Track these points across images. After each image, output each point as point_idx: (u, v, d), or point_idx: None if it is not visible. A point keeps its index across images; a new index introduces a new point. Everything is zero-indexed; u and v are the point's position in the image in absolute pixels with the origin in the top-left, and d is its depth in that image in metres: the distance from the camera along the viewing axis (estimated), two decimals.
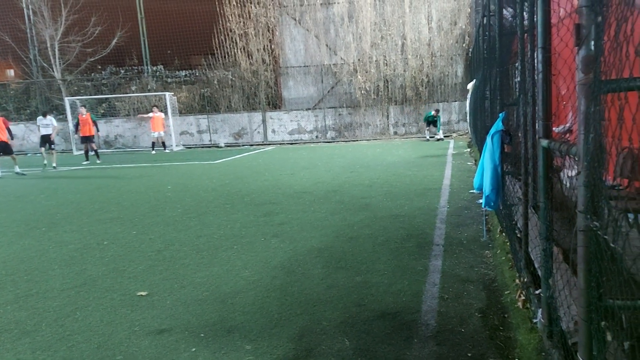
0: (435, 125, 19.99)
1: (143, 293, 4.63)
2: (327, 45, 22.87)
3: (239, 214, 8.01)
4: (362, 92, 22.33)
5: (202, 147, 22.86)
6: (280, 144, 22.56)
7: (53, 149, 16.67)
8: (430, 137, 20.14)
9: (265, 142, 22.89)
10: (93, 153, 18.05)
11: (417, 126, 22.40)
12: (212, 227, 7.17)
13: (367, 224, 6.86)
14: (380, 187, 9.69)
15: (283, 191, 9.92)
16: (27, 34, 23.49)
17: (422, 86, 22.12)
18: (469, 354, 3.21)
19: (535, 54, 3.23)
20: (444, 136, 20.14)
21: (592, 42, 1.78)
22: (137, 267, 5.45)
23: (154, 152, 20.79)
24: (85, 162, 17.48)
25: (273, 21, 22.82)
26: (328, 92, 23.24)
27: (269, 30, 22.84)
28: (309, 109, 23.11)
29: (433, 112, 20.03)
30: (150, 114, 20.53)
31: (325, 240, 6.18)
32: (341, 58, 22.71)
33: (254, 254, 5.75)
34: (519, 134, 4.25)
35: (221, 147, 19.49)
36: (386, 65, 22.30)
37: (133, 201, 9.67)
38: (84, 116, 17.81)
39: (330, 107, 23.00)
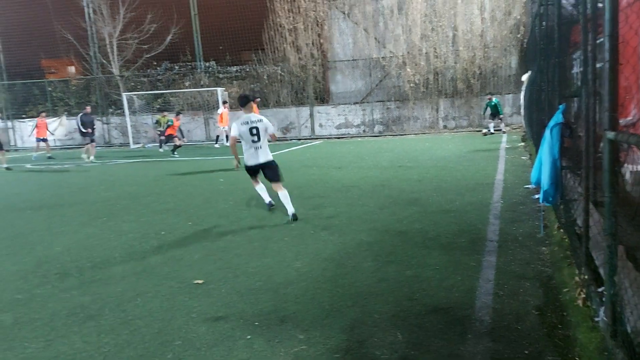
0: (497, 115, 18.92)
1: (199, 281, 4.77)
2: (375, 39, 22.69)
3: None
4: (411, 85, 22.04)
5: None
6: (328, 138, 22.61)
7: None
8: (495, 129, 19.13)
9: (312, 137, 22.99)
10: (172, 147, 18.47)
11: (469, 120, 21.90)
12: (263, 219, 7.30)
13: (417, 219, 6.80)
14: (429, 182, 9.57)
15: (331, 185, 9.96)
16: (88, 32, 24.50)
17: (474, 78, 21.61)
18: (526, 352, 3.15)
19: (599, 43, 3.12)
20: (495, 130, 19.55)
21: None
22: (193, 256, 5.63)
23: (218, 145, 21.06)
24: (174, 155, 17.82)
25: (322, 15, 22.83)
26: (376, 85, 23.08)
27: (317, 25, 22.87)
28: (357, 103, 23.03)
29: (488, 98, 19.10)
30: (220, 110, 20.95)
31: (375, 234, 6.17)
32: (390, 51, 22.48)
33: (304, 246, 5.81)
34: (580, 127, 4.11)
35: (269, 142, 19.72)
36: (436, 57, 21.91)
37: (187, 193, 9.96)
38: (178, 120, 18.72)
39: (378, 101, 22.84)
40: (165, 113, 20.42)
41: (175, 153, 17.73)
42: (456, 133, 20.96)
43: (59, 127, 24.26)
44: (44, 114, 19.64)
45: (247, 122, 7.33)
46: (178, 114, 19.61)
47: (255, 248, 5.83)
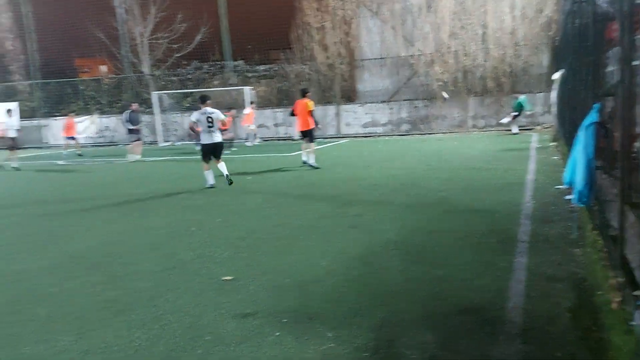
0: (519, 114, 18.68)
1: (228, 278, 4.83)
2: (403, 37, 22.54)
3: (315, 205, 8.13)
4: (440, 83, 21.82)
5: (278, 139, 23.33)
6: (354, 137, 22.56)
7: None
8: (507, 128, 18.97)
9: (338, 135, 22.97)
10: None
11: (498, 119, 21.57)
12: (289, 217, 7.33)
13: (446, 218, 6.74)
14: (458, 181, 9.47)
15: (358, 183, 9.94)
16: (120, 32, 24.99)
17: (505, 77, 21.26)
18: (558, 354, 3.10)
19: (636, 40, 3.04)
20: (526, 129, 19.16)
21: None
22: (222, 253, 5.69)
23: (249, 144, 21.28)
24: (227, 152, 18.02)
25: (350, 14, 22.78)
26: (404, 84, 22.92)
27: (345, 23, 22.83)
28: (384, 101, 22.91)
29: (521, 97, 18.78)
30: (248, 110, 21.13)
31: (402, 233, 6.14)
32: (418, 49, 22.29)
33: (331, 244, 5.82)
34: (615, 126, 4.01)
35: (295, 140, 19.75)
36: (465, 55, 21.63)
37: (216, 190, 10.07)
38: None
39: (405, 100, 22.67)
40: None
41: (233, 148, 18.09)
42: (485, 132, 20.67)
43: (91, 126, 24.83)
44: (72, 114, 20.14)
45: (204, 113, 10.25)
46: (230, 109, 19.69)
47: (283, 246, 5.87)
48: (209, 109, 10.30)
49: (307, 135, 12.64)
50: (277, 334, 3.60)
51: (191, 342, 3.55)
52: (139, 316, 4.07)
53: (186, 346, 3.50)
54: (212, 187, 10.12)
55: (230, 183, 10.19)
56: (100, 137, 25.24)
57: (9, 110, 17.09)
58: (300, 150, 13.19)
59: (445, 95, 21.01)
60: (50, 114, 26.44)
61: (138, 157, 17.12)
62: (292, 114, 12.96)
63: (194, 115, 10.36)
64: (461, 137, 19.49)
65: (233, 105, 22.95)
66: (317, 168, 12.30)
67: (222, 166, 10.32)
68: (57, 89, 26.78)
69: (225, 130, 18.72)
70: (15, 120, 17.12)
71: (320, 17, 22.81)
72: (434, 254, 5.24)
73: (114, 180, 12.61)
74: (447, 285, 4.35)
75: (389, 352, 3.25)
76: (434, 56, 21.97)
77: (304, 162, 12.67)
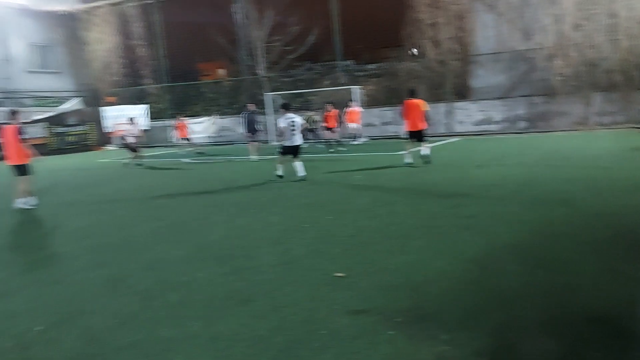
0: None
1: (340, 274, 4.95)
2: (521, 30, 21.39)
3: (427, 205, 8.04)
4: (560, 78, 20.40)
5: (386, 138, 23.25)
6: (466, 135, 21.84)
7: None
8: None
9: (449, 134, 22.38)
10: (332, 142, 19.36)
11: (627, 115, 19.70)
12: (400, 216, 7.32)
13: (567, 221, 6.34)
14: (581, 182, 8.84)
15: (471, 183, 9.65)
16: (239, 37, 26.44)
17: (636, 70, 19.36)
18: None
19: None
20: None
21: None
22: (333, 250, 5.85)
23: (356, 142, 21.61)
24: (331, 150, 18.71)
25: (464, 8, 22.09)
26: (520, 79, 21.75)
27: (459, 18, 22.19)
28: (499, 98, 21.92)
29: None
30: (351, 107, 21.45)
31: (520, 236, 5.88)
32: (536, 43, 21.03)
33: (445, 245, 5.73)
34: None
35: (404, 139, 19.55)
36: (590, 47, 20.03)
37: (326, 188, 10.32)
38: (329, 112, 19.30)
39: (522, 96, 21.51)
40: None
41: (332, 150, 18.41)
42: (611, 130, 18.99)
43: (211, 126, 26.58)
44: (182, 116, 21.71)
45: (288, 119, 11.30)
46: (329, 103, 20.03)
47: (394, 245, 5.89)
48: (290, 115, 11.47)
49: (417, 136, 12.48)
50: (391, 332, 3.64)
51: (308, 335, 3.70)
52: (260, 307, 4.31)
53: (304, 339, 3.65)
54: (280, 177, 11.47)
55: (300, 180, 11.19)
56: (219, 136, 26.89)
57: (131, 119, 18.90)
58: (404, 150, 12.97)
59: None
60: (176, 115, 28.66)
61: (255, 156, 17.90)
62: (403, 115, 12.64)
63: (281, 122, 11.45)
64: (584, 135, 18.10)
65: (341, 105, 23.38)
66: (428, 162, 12.24)
67: (300, 165, 11.41)
68: (182, 91, 28.96)
69: (331, 128, 19.17)
70: (135, 128, 18.38)
71: (433, 14, 22.36)
72: (554, 259, 4.97)
73: (231, 177, 13.36)
74: (571, 292, 4.11)
75: (508, 358, 3.16)
76: (554, 49, 20.60)
77: (408, 164, 12.48)
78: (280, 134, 11.93)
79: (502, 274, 4.67)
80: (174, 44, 28.28)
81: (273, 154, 15.43)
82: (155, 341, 3.79)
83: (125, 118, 20.12)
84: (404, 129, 12.81)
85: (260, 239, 6.64)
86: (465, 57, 22.56)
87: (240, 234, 6.97)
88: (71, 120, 27.00)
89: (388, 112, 23.59)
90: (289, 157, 11.51)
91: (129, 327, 4.07)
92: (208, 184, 12.29)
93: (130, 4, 28.25)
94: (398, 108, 13.36)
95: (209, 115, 26.85)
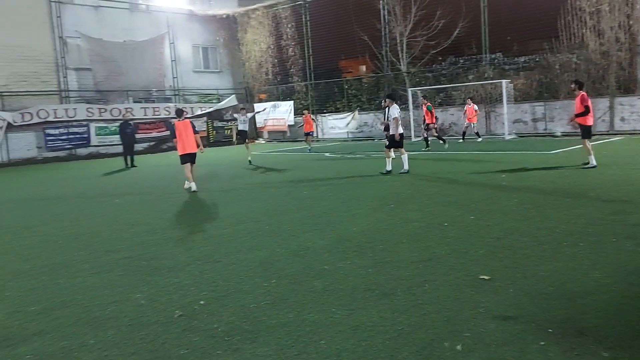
0: None
1: (485, 277, 4.76)
2: None
3: (583, 209, 7.38)
4: None
5: (536, 135, 21.72)
6: (631, 134, 19.54)
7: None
8: None
9: (610, 132, 20.20)
10: (432, 139, 19.08)
11: None
12: (552, 221, 6.82)
13: None
14: None
15: (637, 188, 8.67)
16: (382, 33, 26.52)
17: None
18: None
19: None
20: None
21: None
22: (477, 251, 5.64)
23: (479, 140, 20.87)
24: (424, 149, 18.48)
25: None
26: None
27: (627, 4, 19.88)
28: None
29: None
30: (469, 106, 20.84)
31: None
32: None
33: (604, 254, 5.23)
34: None
35: (557, 137, 18.01)
36: None
37: (468, 187, 9.98)
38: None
39: None
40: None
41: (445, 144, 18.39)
42: None
43: (352, 122, 27.09)
44: (306, 111, 23.13)
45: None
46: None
47: (545, 251, 5.51)
48: (392, 106, 12.37)
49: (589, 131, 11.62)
50: (542, 343, 3.42)
51: (450, 336, 3.62)
52: (400, 302, 4.32)
53: (445, 338, 3.58)
54: (388, 173, 12.14)
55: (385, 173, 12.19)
56: (360, 132, 27.29)
57: (256, 112, 20.63)
58: (561, 148, 11.98)
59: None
60: (320, 111, 29.66)
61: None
62: (586, 111, 11.50)
63: (395, 112, 12.15)
64: None
65: (486, 100, 22.46)
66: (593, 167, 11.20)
67: (404, 158, 12.35)
68: (325, 88, 29.88)
69: (431, 124, 18.63)
70: (244, 120, 18.72)
71: (595, 1, 20.31)
72: None
73: (370, 171, 13.48)
74: None
75: None
76: None
77: (589, 165, 11.38)
78: (394, 126, 11.97)
79: None
80: (319, 42, 29.21)
81: (415, 150, 15.29)
82: (302, 324, 3.99)
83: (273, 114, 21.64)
84: (588, 121, 11.74)
85: (400, 234, 6.63)
86: (634, 47, 20.15)
87: (380, 228, 7.03)
88: (228, 116, 29.36)
89: (539, 108, 22.03)
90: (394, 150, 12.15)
91: (279, 307, 4.35)
92: (348, 178, 12.59)
93: (283, 6, 29.85)
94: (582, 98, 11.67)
95: (350, 111, 27.37)
